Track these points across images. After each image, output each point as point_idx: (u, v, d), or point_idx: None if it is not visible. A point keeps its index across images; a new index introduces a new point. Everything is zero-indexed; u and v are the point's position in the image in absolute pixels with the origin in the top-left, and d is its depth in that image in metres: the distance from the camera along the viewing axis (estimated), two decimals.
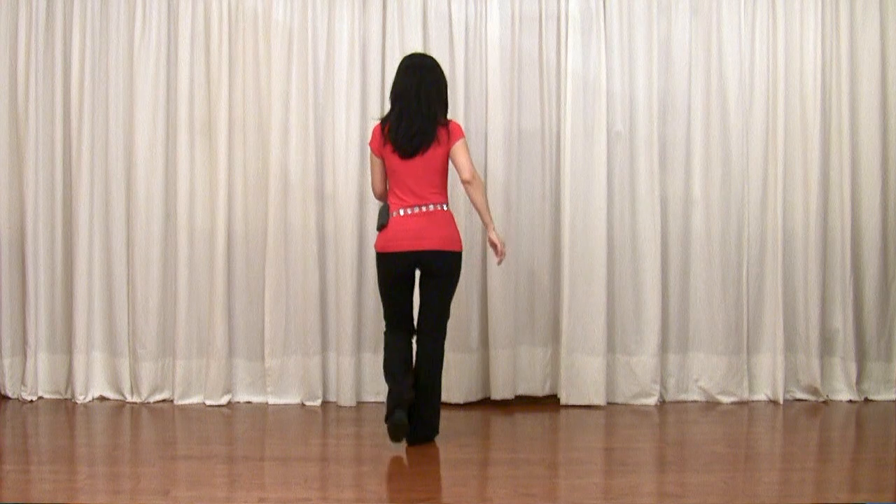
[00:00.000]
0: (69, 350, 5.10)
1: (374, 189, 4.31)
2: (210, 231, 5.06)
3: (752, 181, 5.13)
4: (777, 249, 5.10)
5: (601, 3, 5.05)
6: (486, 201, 4.21)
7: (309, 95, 5.03)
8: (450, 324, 4.99)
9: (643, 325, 5.07)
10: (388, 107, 4.97)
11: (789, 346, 5.14)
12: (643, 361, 5.07)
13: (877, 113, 5.12)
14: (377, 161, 4.23)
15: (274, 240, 5.04)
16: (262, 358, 5.09)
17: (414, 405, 4.18)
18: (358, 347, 5.08)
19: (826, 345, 5.14)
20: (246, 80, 5.07)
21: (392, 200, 4.19)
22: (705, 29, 5.11)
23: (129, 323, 5.09)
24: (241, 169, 5.09)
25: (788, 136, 5.12)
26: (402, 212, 4.13)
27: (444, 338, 4.26)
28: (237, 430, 4.65)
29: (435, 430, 4.29)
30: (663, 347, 5.11)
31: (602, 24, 5.04)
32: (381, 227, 4.18)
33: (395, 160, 4.14)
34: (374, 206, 5.08)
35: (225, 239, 5.04)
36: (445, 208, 4.19)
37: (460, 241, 4.20)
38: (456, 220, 4.25)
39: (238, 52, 5.06)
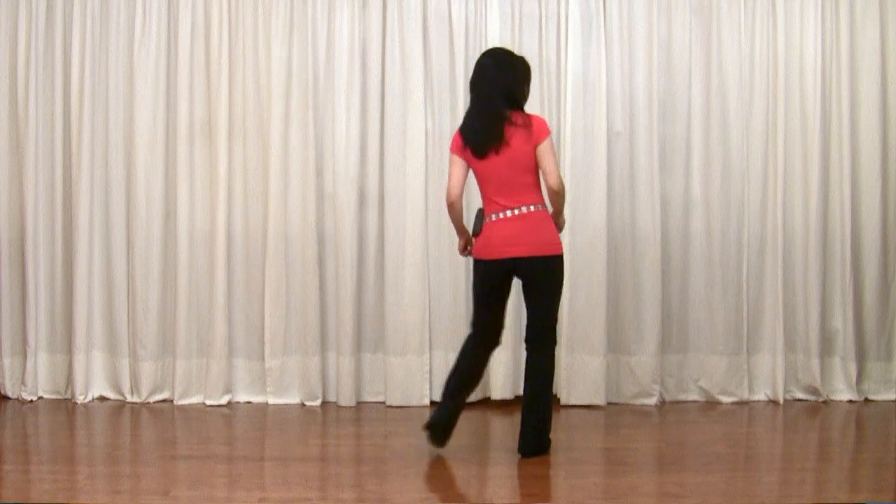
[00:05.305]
0: (69, 350, 5.10)
1: (449, 192, 4.01)
2: (210, 231, 5.06)
3: (752, 181, 5.13)
4: (777, 249, 5.10)
5: (601, 3, 5.05)
6: (562, 219, 4.11)
7: (309, 95, 5.04)
8: (449, 324, 5.05)
9: (643, 325, 5.07)
10: (387, 107, 5.07)
11: (789, 346, 5.13)
12: (643, 361, 5.07)
13: (877, 113, 5.12)
14: (459, 162, 4.01)
15: (274, 240, 5.04)
16: (262, 358, 5.09)
17: (522, 416, 4.04)
18: (358, 347, 5.08)
19: (826, 345, 5.14)
20: (246, 80, 5.07)
21: (485, 205, 4.02)
22: (705, 29, 5.11)
23: (129, 323, 5.09)
24: (241, 169, 5.09)
25: (788, 136, 5.12)
26: (493, 217, 3.96)
27: (553, 347, 4.06)
28: (237, 430, 4.65)
29: (543, 445, 4.05)
30: (663, 347, 5.10)
31: (602, 24, 5.04)
32: (475, 234, 4.04)
33: (473, 161, 3.98)
34: (373, 206, 5.11)
35: (225, 239, 5.04)
36: (540, 209, 3.97)
37: (557, 244, 3.98)
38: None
39: (238, 53, 5.06)
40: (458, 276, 5.06)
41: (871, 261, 5.16)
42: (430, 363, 5.07)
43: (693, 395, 5.15)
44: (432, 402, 5.05)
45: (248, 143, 5.09)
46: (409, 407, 5.01)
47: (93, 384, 5.11)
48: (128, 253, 5.09)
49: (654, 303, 5.05)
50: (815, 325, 5.10)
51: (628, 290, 5.09)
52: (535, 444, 4.02)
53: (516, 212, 3.94)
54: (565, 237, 5.00)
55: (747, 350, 5.12)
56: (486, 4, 5.06)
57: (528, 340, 4.07)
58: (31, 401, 5.07)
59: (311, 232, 5.04)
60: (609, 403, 5.04)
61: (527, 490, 3.66)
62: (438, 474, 3.85)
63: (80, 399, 5.06)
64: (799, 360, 5.15)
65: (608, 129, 5.04)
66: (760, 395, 5.15)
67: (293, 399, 5.10)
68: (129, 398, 5.10)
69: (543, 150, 3.91)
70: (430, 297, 5.06)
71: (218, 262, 5.03)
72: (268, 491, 3.63)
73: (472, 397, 5.08)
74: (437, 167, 5.07)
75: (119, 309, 5.10)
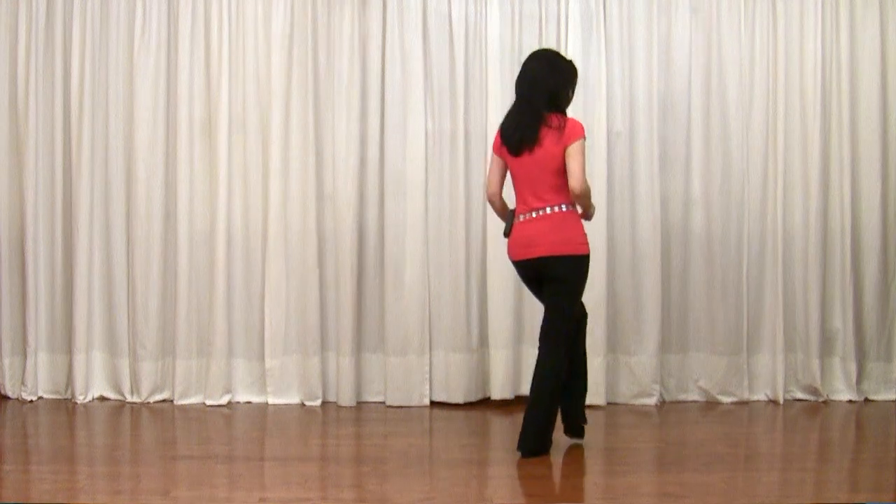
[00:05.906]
0: (69, 350, 5.10)
1: (487, 188, 4.17)
2: (210, 231, 5.06)
3: (752, 181, 5.13)
4: (777, 249, 5.10)
5: (601, 3, 5.05)
6: (591, 210, 4.08)
7: (309, 95, 5.04)
8: (449, 323, 5.05)
9: (643, 325, 5.07)
10: (387, 107, 5.08)
11: (789, 346, 5.14)
12: (643, 361, 5.07)
13: (877, 113, 5.13)
14: (496, 160, 4.11)
15: (274, 240, 5.04)
16: (262, 358, 5.09)
17: (526, 414, 4.05)
18: (358, 347, 5.08)
19: (826, 345, 5.14)
20: (246, 80, 5.07)
21: (517, 205, 4.07)
22: (705, 29, 5.11)
23: (129, 323, 5.09)
24: (241, 169, 5.09)
25: (788, 136, 5.13)
26: (521, 217, 4.03)
27: (565, 347, 4.01)
28: (237, 430, 4.65)
29: (544, 445, 4.03)
30: (663, 347, 5.11)
31: (602, 24, 5.04)
32: (506, 234, 4.10)
33: (509, 158, 4.04)
34: (373, 206, 5.10)
35: (225, 239, 5.04)
36: (564, 209, 3.98)
37: (579, 244, 3.97)
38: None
39: (238, 53, 5.06)
40: (458, 275, 5.06)
41: (871, 261, 5.16)
42: (430, 363, 5.06)
43: (693, 395, 5.16)
44: (432, 402, 5.06)
45: (248, 144, 5.09)
46: (409, 407, 5.02)
47: (93, 384, 5.11)
48: (128, 253, 5.09)
49: (654, 303, 5.05)
50: (815, 325, 5.10)
51: (628, 289, 5.09)
52: (536, 443, 4.01)
53: (540, 213, 3.98)
54: None
55: (747, 350, 5.13)
56: (486, 4, 5.07)
57: (541, 338, 4.05)
58: (31, 401, 5.07)
59: (311, 232, 5.04)
60: (609, 403, 5.05)
61: (527, 490, 3.66)
62: (438, 474, 3.85)
63: (80, 399, 5.06)
64: (799, 360, 5.15)
65: (608, 129, 5.04)
66: (760, 395, 5.15)
67: (293, 399, 5.10)
68: (129, 398, 5.10)
69: (571, 151, 3.92)
70: (430, 297, 5.06)
71: (218, 262, 5.03)
72: (268, 491, 3.62)
73: (472, 397, 5.10)
74: (436, 167, 5.07)
75: (119, 309, 5.10)
